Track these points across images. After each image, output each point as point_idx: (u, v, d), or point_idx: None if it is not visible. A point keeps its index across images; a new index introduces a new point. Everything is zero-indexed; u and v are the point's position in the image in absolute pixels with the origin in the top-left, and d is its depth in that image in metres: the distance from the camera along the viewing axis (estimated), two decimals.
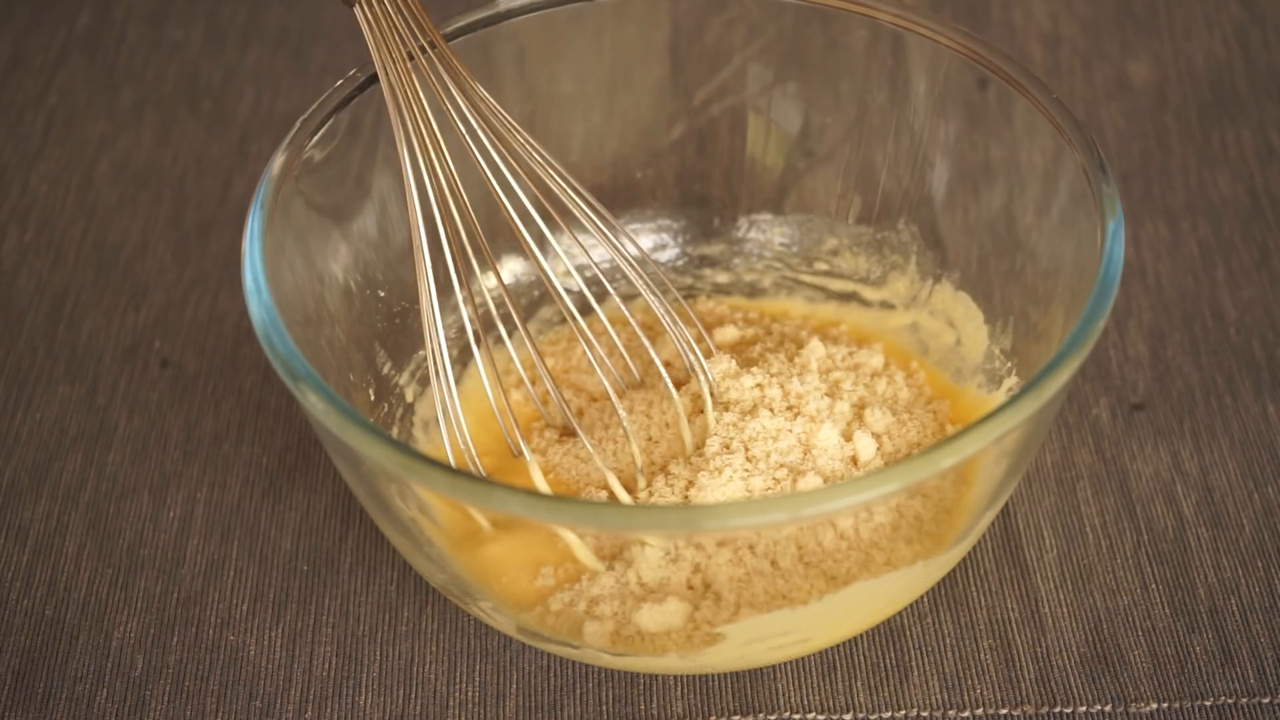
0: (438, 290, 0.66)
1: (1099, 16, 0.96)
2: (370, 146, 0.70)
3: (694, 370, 0.70)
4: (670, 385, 0.70)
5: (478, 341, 0.68)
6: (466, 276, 0.67)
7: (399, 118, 0.66)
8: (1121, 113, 0.90)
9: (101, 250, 0.86)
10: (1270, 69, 0.92)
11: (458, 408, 0.68)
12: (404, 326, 0.74)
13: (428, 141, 0.65)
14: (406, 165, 0.66)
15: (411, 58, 0.66)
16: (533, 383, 0.74)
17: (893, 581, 0.64)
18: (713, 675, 0.68)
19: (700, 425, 0.70)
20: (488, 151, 0.67)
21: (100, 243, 0.86)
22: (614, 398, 0.69)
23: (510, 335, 0.71)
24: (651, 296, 0.70)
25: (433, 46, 0.66)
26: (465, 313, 0.67)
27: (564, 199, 0.68)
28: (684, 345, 0.70)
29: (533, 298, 0.78)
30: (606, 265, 0.75)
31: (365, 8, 0.66)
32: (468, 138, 0.66)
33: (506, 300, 0.68)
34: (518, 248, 0.75)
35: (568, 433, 0.73)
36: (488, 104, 0.67)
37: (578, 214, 0.69)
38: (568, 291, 0.68)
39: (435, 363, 0.67)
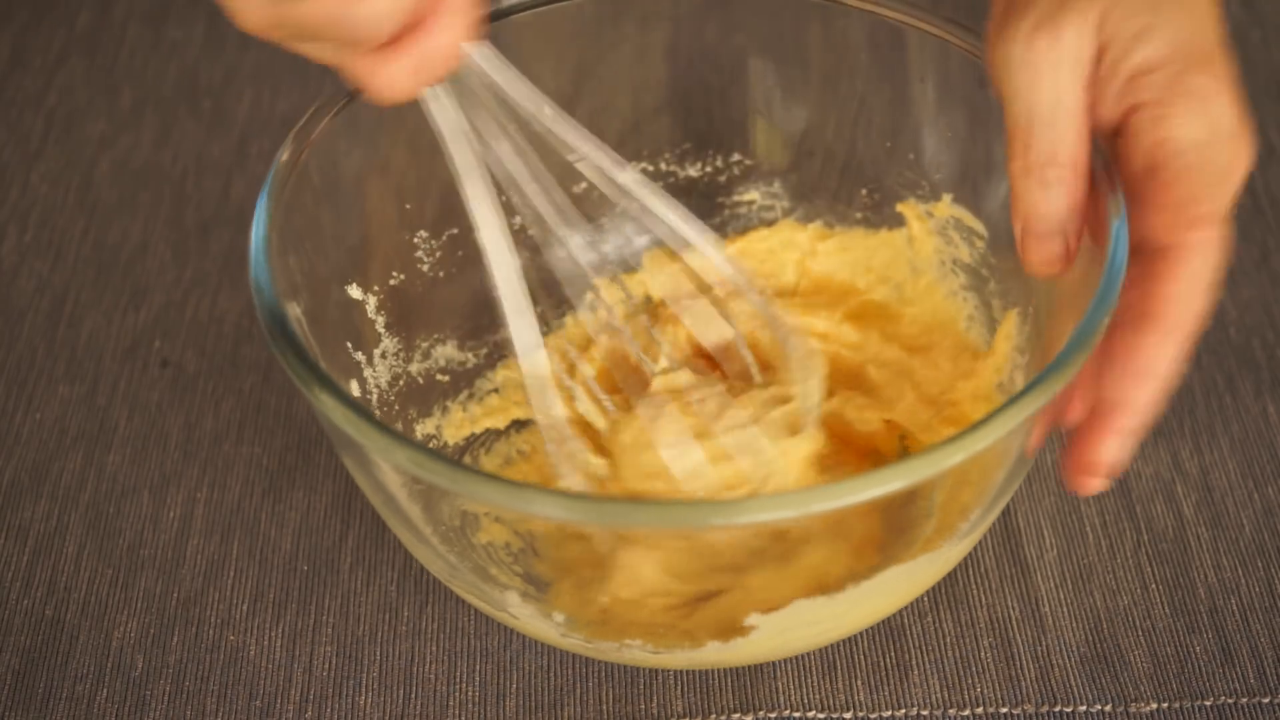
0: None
1: None
2: (371, 144, 0.70)
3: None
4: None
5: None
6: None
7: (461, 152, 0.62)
8: None
9: (101, 250, 0.86)
10: (1270, 69, 0.92)
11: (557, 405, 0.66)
12: (410, 324, 0.74)
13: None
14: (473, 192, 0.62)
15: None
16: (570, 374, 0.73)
17: (924, 564, 0.64)
18: (713, 673, 0.68)
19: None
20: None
21: (100, 243, 0.86)
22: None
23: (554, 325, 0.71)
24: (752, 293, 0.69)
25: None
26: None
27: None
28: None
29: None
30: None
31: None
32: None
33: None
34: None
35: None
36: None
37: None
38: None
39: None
